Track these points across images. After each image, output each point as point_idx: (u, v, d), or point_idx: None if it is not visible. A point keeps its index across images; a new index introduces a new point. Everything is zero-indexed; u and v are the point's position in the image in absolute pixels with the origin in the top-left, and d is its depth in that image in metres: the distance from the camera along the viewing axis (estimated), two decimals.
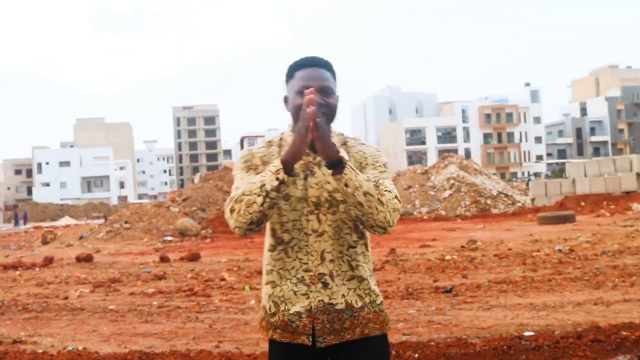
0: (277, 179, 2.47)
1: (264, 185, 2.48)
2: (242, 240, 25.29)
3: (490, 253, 15.19)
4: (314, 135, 2.39)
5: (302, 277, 2.66)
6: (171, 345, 7.37)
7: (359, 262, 2.71)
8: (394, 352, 6.13)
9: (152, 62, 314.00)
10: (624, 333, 6.44)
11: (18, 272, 16.59)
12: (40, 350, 7.16)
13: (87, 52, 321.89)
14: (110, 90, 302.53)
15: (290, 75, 2.72)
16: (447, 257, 14.67)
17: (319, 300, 2.64)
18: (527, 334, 6.82)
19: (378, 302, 2.75)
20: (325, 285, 2.65)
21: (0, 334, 8.40)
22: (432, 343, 6.45)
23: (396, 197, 2.58)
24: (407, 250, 17.27)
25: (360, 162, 2.71)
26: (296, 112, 2.62)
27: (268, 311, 2.73)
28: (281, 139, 2.78)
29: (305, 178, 2.67)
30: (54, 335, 8.29)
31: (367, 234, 2.76)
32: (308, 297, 2.65)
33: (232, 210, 2.55)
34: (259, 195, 2.48)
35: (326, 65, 2.71)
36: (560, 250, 14.59)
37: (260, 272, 14.01)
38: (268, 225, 2.71)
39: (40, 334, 8.45)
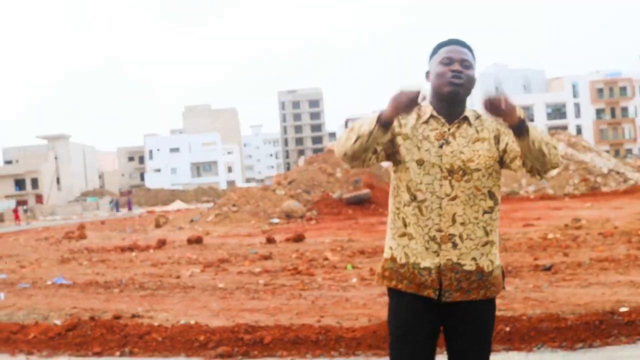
0: (369, 128, 2.80)
1: (361, 127, 2.84)
2: (346, 221, 25.71)
3: (595, 231, 14.98)
4: (507, 104, 2.75)
5: (434, 236, 2.92)
6: (276, 320, 7.79)
7: (493, 227, 2.98)
8: None
9: (256, 46, 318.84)
10: None
11: (134, 254, 17.59)
12: (156, 324, 7.73)
13: (189, 40, 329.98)
14: (215, 76, 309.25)
15: (434, 52, 3.08)
16: (550, 236, 14.58)
17: (448, 259, 2.91)
18: (621, 309, 6.86)
19: (498, 265, 3.05)
20: (455, 245, 2.91)
21: (120, 309, 9.07)
22: (524, 317, 6.60)
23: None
24: (510, 229, 17.22)
25: (497, 129, 3.02)
26: (437, 79, 2.99)
27: (398, 261, 2.99)
28: (420, 108, 3.06)
29: (441, 146, 2.95)
30: (168, 311, 8.89)
31: (500, 200, 3.04)
32: (438, 255, 2.91)
33: (338, 140, 2.96)
34: (355, 134, 2.85)
35: (467, 47, 3.05)
36: None
37: (362, 252, 14.37)
38: (402, 182, 3.00)
39: (155, 309, 9.07)
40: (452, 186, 2.91)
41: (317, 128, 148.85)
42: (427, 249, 2.92)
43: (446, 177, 2.92)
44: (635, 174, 36.67)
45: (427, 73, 3.09)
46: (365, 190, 31.02)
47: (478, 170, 2.93)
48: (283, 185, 33.64)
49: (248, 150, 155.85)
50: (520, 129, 2.80)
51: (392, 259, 3.01)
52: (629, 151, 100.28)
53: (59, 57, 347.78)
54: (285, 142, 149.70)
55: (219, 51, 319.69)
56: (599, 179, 34.52)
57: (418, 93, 2.73)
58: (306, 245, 17.18)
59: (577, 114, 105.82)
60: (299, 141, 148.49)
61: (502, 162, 3.01)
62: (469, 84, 2.98)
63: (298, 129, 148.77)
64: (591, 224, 16.66)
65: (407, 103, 2.74)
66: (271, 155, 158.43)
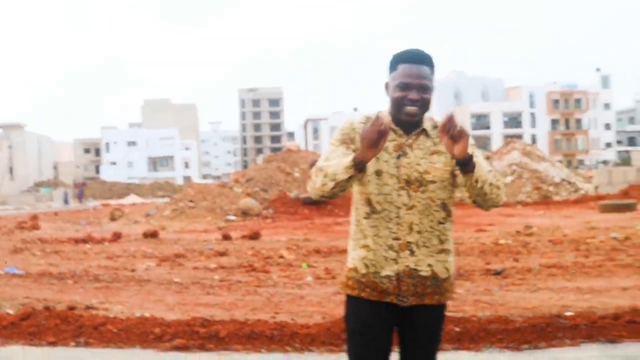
0: (348, 174, 2.88)
1: (336, 174, 2.90)
2: (303, 221, 25.85)
3: (545, 239, 15.35)
4: (462, 136, 2.86)
5: (392, 244, 3.03)
6: (231, 315, 7.88)
7: (447, 237, 3.11)
8: None
9: (219, 46, 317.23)
10: None
11: (88, 246, 17.48)
12: (111, 316, 7.75)
13: (154, 35, 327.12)
14: (176, 72, 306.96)
15: (393, 66, 3.10)
16: (502, 242, 14.90)
17: (406, 265, 3.02)
18: (567, 314, 7.10)
19: (452, 274, 3.17)
20: (412, 252, 3.03)
21: (74, 300, 9.05)
22: (474, 319, 6.80)
23: (498, 174, 3.09)
24: (463, 234, 17.52)
25: None
26: (395, 104, 3.05)
27: (359, 271, 3.09)
28: (377, 117, 3.12)
29: (398, 157, 3.05)
30: (123, 303, 8.91)
31: (452, 211, 3.16)
32: (397, 262, 3.03)
33: (312, 177, 3.02)
34: (331, 180, 2.91)
35: (427, 61, 3.07)
36: (615, 238, 14.66)
37: (318, 251, 14.51)
38: (362, 195, 3.09)
39: (110, 301, 9.07)
40: (409, 196, 3.02)
41: (276, 127, 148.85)
42: (385, 258, 3.03)
43: (403, 187, 3.02)
44: (586, 184, 37.49)
45: (386, 85, 3.14)
46: None
47: (433, 182, 3.04)
48: (241, 183, 33.65)
49: (206, 146, 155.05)
50: (466, 165, 2.92)
51: (355, 269, 3.12)
52: (581, 162, 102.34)
53: (56, 56, 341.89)
54: (244, 140, 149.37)
55: (182, 49, 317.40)
56: (551, 188, 35.22)
57: (382, 125, 2.79)
58: (262, 243, 17.27)
59: (533, 123, 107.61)
60: (258, 139, 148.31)
61: (455, 176, 3.11)
62: (426, 107, 3.05)
63: (257, 127, 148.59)
64: (542, 231, 17.06)
65: (378, 137, 2.79)
66: (229, 152, 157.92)
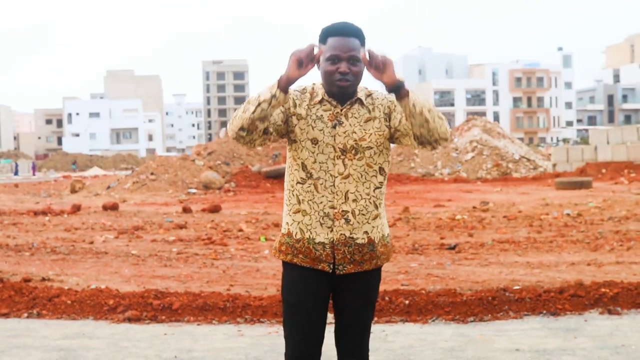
0: (271, 92, 2.94)
1: (259, 96, 2.96)
2: (264, 195, 25.91)
3: (500, 215, 15.64)
4: (387, 64, 2.93)
5: (328, 212, 3.09)
6: (186, 287, 7.95)
7: (382, 201, 3.17)
8: (387, 298, 6.66)
9: (183, 16, 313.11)
10: (604, 290, 6.89)
11: (47, 218, 17.36)
12: (66, 287, 7.78)
13: (118, 4, 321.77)
14: (140, 43, 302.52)
15: (322, 40, 3.11)
16: (458, 217, 15.14)
17: (341, 234, 3.09)
18: (515, 288, 7.31)
19: (387, 234, 3.24)
20: (347, 221, 3.09)
21: (30, 272, 9.05)
22: (423, 292, 6.97)
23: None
24: (421, 209, 17.76)
25: (388, 107, 3.16)
26: (326, 77, 3.09)
27: (293, 237, 3.14)
28: (313, 89, 3.18)
29: (334, 127, 3.09)
30: (79, 275, 8.93)
31: (387, 175, 3.22)
32: (332, 230, 3.09)
33: (233, 117, 3.06)
34: (252, 104, 2.96)
35: (355, 34, 3.09)
36: (568, 215, 14.99)
37: (277, 225, 14.61)
38: (297, 160, 3.13)
39: (66, 273, 9.09)
40: (344, 165, 3.07)
41: (241, 100, 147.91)
42: (321, 224, 3.09)
43: (339, 156, 3.08)
44: (545, 162, 38.07)
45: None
46: (284, 165, 31.25)
47: (370, 148, 3.10)
48: (202, 156, 33.54)
49: (170, 119, 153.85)
50: (399, 89, 2.96)
51: (289, 234, 3.16)
52: (543, 140, 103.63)
53: None
54: (208, 113, 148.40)
55: (146, 19, 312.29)
56: (510, 165, 35.72)
57: (313, 48, 2.90)
58: (222, 216, 17.32)
59: (496, 101, 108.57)
60: (222, 112, 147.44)
61: (392, 138, 3.16)
62: (357, 80, 3.09)
63: (222, 100, 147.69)
64: (498, 207, 17.36)
65: (305, 59, 2.90)
66: (193, 125, 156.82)
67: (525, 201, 19.31)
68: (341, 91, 3.08)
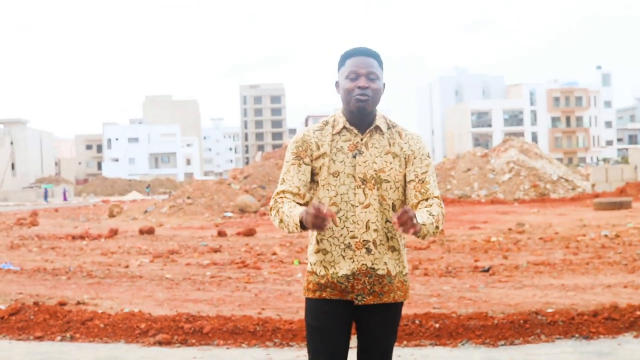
0: (297, 230, 2.96)
1: (289, 226, 2.98)
2: None
3: (537, 236, 15.47)
4: (415, 231, 2.85)
5: (349, 243, 3.10)
6: (218, 311, 8.00)
7: (394, 235, 3.17)
8: (417, 321, 6.62)
9: (219, 41, 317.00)
10: (639, 313, 6.77)
11: (85, 242, 17.61)
12: (100, 311, 7.87)
13: (157, 30, 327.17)
14: (178, 67, 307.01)
15: (342, 63, 3.18)
16: (493, 239, 15.01)
17: (362, 264, 3.10)
18: (548, 310, 7.21)
19: (404, 272, 3.23)
20: (369, 251, 3.10)
21: (66, 296, 9.19)
22: (454, 315, 6.91)
23: (441, 203, 3.13)
24: (456, 231, 17.64)
25: (407, 155, 3.17)
26: (345, 95, 3.12)
27: (318, 274, 3.16)
28: (334, 120, 3.21)
29: (354, 157, 3.12)
30: (113, 299, 9.04)
31: None
32: (354, 261, 3.10)
33: (271, 210, 3.10)
34: (285, 228, 3.01)
35: (374, 55, 3.15)
36: (606, 235, 14.77)
37: None
38: (316, 200, 3.15)
39: (101, 297, 9.21)
40: (365, 194, 3.09)
41: (277, 124, 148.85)
42: (343, 257, 3.10)
43: (359, 186, 3.09)
44: (584, 182, 37.59)
45: (337, 83, 3.21)
46: None
47: (387, 182, 3.11)
48: (239, 180, 33.77)
49: (208, 143, 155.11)
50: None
51: (314, 273, 3.18)
52: (582, 159, 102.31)
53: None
54: (245, 137, 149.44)
55: (184, 44, 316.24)
56: (548, 186, 35.32)
57: (324, 219, 2.79)
58: (256, 239, 17.39)
59: (534, 121, 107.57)
60: (259, 136, 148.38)
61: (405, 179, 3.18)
62: (376, 96, 3.12)
63: (259, 124, 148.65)
64: (534, 229, 17.18)
65: (320, 225, 2.81)
66: (231, 149, 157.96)
67: (563, 222, 19.06)
68: (360, 108, 3.08)
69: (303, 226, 2.91)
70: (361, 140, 3.14)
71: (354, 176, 3.10)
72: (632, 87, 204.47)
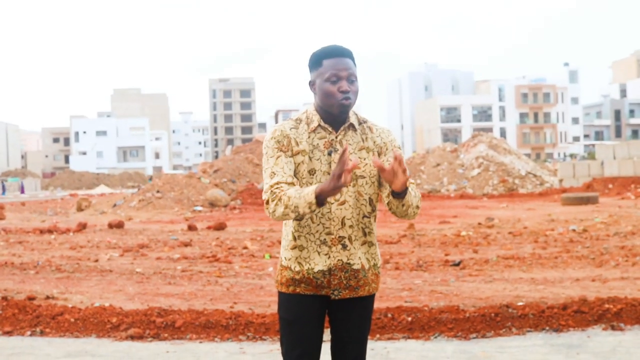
0: (310, 208, 2.91)
1: (298, 208, 2.92)
2: None
3: (506, 231, 15.62)
4: (407, 178, 2.92)
5: (325, 239, 3.10)
6: (190, 305, 7.96)
7: (371, 230, 3.20)
8: (389, 315, 6.65)
9: (190, 35, 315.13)
10: (607, 306, 6.86)
11: (53, 236, 17.41)
12: (70, 305, 7.80)
13: (126, 23, 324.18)
14: (147, 61, 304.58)
15: (317, 63, 3.13)
16: (463, 233, 15.13)
17: (338, 260, 3.11)
18: (518, 304, 7.29)
19: (378, 265, 3.27)
20: (345, 247, 3.12)
21: (35, 290, 9.08)
22: (426, 308, 6.96)
23: (416, 189, 3.18)
24: (426, 225, 17.74)
25: (380, 147, 3.19)
26: (326, 98, 3.08)
27: (293, 269, 3.14)
28: (307, 117, 3.18)
29: (329, 154, 3.12)
30: (84, 293, 8.95)
31: (377, 207, 3.24)
32: (329, 257, 3.11)
33: (269, 202, 3.01)
34: (293, 212, 2.93)
35: (349, 55, 3.14)
36: (573, 230, 14.96)
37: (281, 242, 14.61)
38: None
39: (71, 291, 9.11)
40: (341, 192, 3.04)
41: (247, 118, 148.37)
42: (318, 253, 3.11)
43: None
44: (551, 177, 38.03)
45: (311, 83, 3.17)
46: None
47: (362, 177, 3.13)
48: (208, 174, 33.63)
49: (177, 137, 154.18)
50: (400, 195, 3.01)
51: (288, 268, 3.17)
52: (550, 155, 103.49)
53: None
54: (215, 131, 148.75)
55: (153, 37, 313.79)
56: (517, 181, 35.68)
57: (348, 159, 2.79)
58: (227, 233, 17.34)
59: (502, 117, 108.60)
60: (229, 130, 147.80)
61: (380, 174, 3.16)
62: (355, 99, 3.11)
63: (228, 118, 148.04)
64: (503, 224, 17.34)
65: (346, 180, 2.81)
66: (200, 143, 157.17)
67: (531, 217, 19.28)
68: (343, 111, 3.08)
69: (318, 203, 2.87)
70: (336, 137, 3.14)
71: (329, 173, 3.10)
72: (599, 84, 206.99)
